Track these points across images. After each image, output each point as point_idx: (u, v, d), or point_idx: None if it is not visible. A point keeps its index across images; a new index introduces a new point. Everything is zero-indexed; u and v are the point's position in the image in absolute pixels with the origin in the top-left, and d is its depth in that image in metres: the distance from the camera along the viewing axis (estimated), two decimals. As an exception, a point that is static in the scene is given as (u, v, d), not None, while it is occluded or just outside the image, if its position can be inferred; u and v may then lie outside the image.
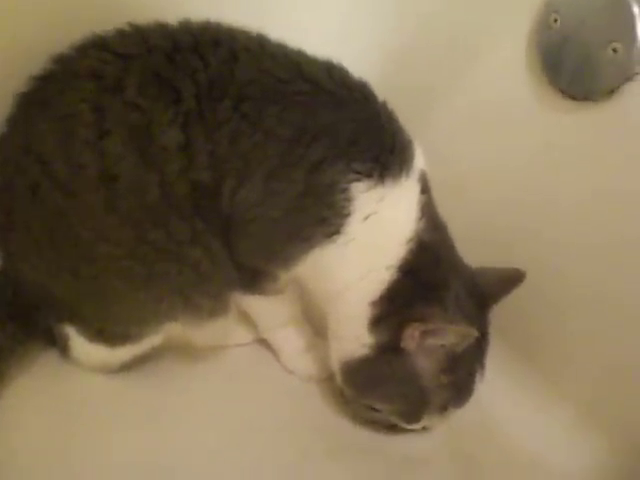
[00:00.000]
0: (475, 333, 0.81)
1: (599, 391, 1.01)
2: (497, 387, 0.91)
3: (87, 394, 0.92)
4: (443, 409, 0.90)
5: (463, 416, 0.93)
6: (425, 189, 0.88)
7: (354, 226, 0.83)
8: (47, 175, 0.80)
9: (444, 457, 0.97)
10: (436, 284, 0.87)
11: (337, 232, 0.83)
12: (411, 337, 0.85)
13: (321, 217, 0.82)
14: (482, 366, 0.91)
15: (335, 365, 0.93)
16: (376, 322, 0.87)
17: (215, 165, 0.80)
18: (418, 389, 0.88)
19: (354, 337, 0.89)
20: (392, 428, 0.95)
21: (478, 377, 0.91)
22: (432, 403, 0.89)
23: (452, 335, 0.83)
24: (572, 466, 0.96)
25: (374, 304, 0.87)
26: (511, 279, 0.94)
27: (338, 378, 0.93)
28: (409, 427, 0.93)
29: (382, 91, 0.87)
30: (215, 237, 0.84)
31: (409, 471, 0.94)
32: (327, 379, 1.04)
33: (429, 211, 0.88)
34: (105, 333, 0.90)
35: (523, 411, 1.04)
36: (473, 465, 0.96)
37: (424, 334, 0.84)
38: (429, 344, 0.84)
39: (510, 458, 0.98)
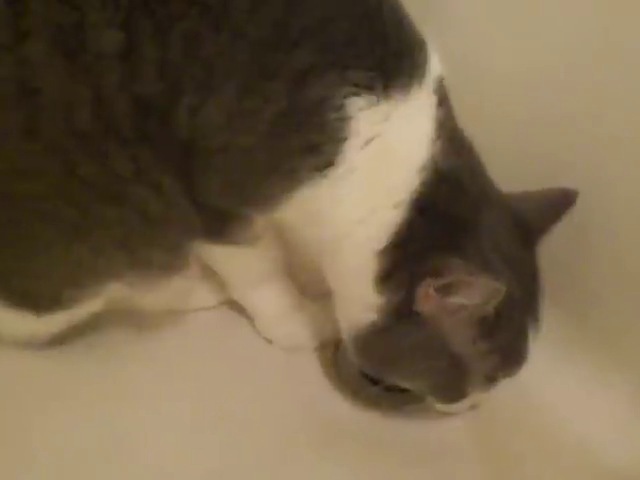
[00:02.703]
0: (502, 288, 0.80)
1: None
2: (535, 360, 0.90)
3: (12, 374, 0.93)
4: (490, 380, 0.91)
5: (491, 396, 0.94)
6: (443, 101, 0.87)
7: (352, 154, 0.82)
8: None
9: (469, 448, 0.98)
10: (460, 223, 0.86)
11: (331, 163, 0.82)
12: (425, 297, 0.84)
13: (309, 144, 0.81)
14: (536, 319, 0.91)
15: (345, 335, 0.93)
16: (385, 278, 0.86)
17: (166, 76, 0.78)
18: (450, 360, 0.88)
19: (359, 298, 0.89)
20: (403, 411, 0.97)
21: (532, 334, 0.90)
22: (474, 375, 0.90)
23: (476, 291, 0.82)
24: (626, 454, 0.98)
25: (381, 254, 0.86)
26: (560, 202, 0.94)
27: (351, 354, 0.93)
28: (453, 409, 0.95)
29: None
30: (167, 171, 0.83)
31: (426, 464, 0.95)
32: (316, 349, 1.06)
33: (448, 130, 0.87)
34: (29, 297, 0.90)
35: (568, 389, 1.05)
36: (505, 457, 0.98)
37: (441, 292, 0.83)
38: (450, 304, 0.84)
39: (551, 449, 0.99)
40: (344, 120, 0.80)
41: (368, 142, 0.82)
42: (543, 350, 0.90)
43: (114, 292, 0.92)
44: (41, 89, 0.77)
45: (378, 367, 0.94)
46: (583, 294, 1.06)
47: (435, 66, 0.87)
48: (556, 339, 0.94)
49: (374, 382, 1.00)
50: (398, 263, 0.86)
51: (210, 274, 1.03)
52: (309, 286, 1.07)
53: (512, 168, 0.94)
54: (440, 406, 0.95)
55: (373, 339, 0.89)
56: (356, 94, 0.80)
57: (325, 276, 0.93)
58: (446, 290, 0.83)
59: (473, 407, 0.96)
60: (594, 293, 1.06)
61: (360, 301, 0.89)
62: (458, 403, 0.94)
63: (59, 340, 0.96)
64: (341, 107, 0.80)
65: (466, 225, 0.86)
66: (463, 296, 0.83)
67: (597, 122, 1.03)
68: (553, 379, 1.04)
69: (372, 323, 0.88)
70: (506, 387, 0.92)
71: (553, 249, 0.94)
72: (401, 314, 0.87)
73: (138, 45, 0.77)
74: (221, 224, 0.91)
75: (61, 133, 0.79)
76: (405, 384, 0.94)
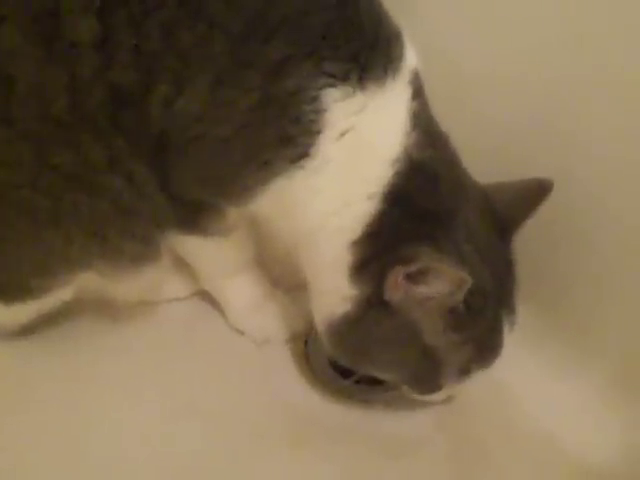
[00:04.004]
0: (468, 279, 0.80)
1: (632, 357, 1.02)
2: (505, 352, 0.90)
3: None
4: (464, 372, 0.91)
5: (462, 389, 0.95)
6: (418, 93, 0.87)
7: (327, 146, 0.82)
8: None
9: (440, 439, 0.99)
10: (435, 214, 0.86)
11: (305, 155, 0.82)
12: (394, 285, 0.84)
13: (284, 135, 0.81)
14: (510, 310, 0.91)
15: (319, 326, 0.93)
16: (358, 269, 0.86)
17: (142, 65, 0.78)
18: (423, 350, 0.88)
19: (334, 290, 0.89)
20: (375, 405, 0.98)
21: (506, 326, 0.90)
22: (447, 366, 0.90)
23: (443, 281, 0.82)
24: (596, 447, 0.99)
25: (355, 245, 0.86)
26: (535, 192, 0.94)
27: (325, 345, 0.93)
28: (430, 399, 0.95)
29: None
30: (140, 161, 0.83)
31: (396, 457, 0.96)
32: (287, 341, 1.07)
33: (423, 121, 0.87)
34: (-2, 286, 0.90)
35: (537, 381, 1.06)
36: (475, 448, 0.99)
37: (409, 280, 0.83)
38: (419, 293, 0.84)
39: (520, 439, 1.00)
40: (319, 112, 0.80)
41: (343, 134, 0.82)
42: (513, 343, 0.91)
43: (85, 281, 0.92)
44: (15, 77, 0.77)
45: (352, 358, 0.94)
46: (553, 287, 1.07)
47: (411, 58, 0.87)
48: (526, 332, 0.93)
49: (345, 375, 1.02)
50: (372, 254, 0.86)
51: (182, 265, 1.04)
52: (281, 278, 1.07)
53: (486, 162, 0.94)
54: (417, 396, 0.96)
55: (347, 330, 0.89)
56: (331, 85, 0.80)
57: (299, 267, 0.93)
58: (414, 278, 0.83)
59: (449, 398, 0.97)
60: (564, 286, 1.07)
61: (334, 292, 0.89)
62: (434, 394, 0.95)
63: (30, 330, 0.96)
64: (316, 99, 0.80)
65: (440, 216, 0.86)
66: (431, 285, 0.83)
67: (571, 116, 1.04)
68: (522, 372, 1.04)
69: (346, 314, 0.88)
70: (476, 380, 0.92)
71: (522, 241, 0.94)
72: (373, 304, 0.87)
73: (114, 34, 0.77)
74: (194, 215, 0.91)
75: (35, 121, 0.79)
76: (379, 374, 0.94)
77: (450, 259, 0.83)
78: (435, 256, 0.83)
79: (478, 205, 0.90)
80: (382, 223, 0.85)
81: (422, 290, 0.84)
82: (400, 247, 0.84)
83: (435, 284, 0.82)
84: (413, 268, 0.82)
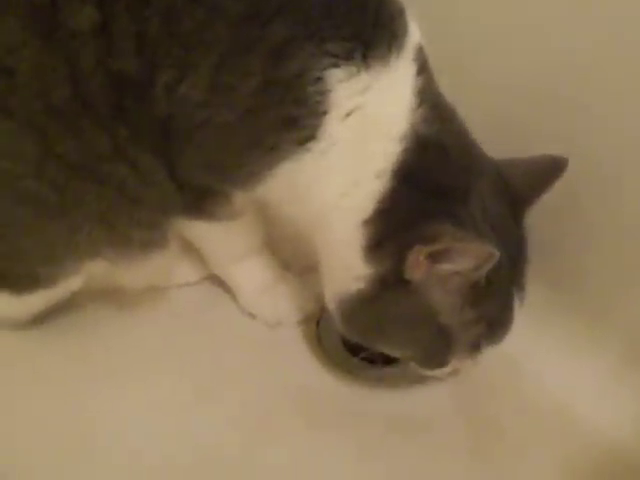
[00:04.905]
0: (496, 253, 0.79)
1: None
2: (518, 328, 0.91)
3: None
4: (474, 348, 0.91)
5: (473, 366, 0.95)
6: (423, 69, 0.86)
7: (333, 127, 0.82)
8: None
9: (451, 418, 1.00)
10: (448, 190, 0.86)
11: (312, 137, 0.82)
12: (416, 264, 0.84)
13: (289, 118, 0.80)
14: (520, 288, 0.91)
15: (331, 306, 0.93)
16: (373, 247, 0.86)
17: (143, 52, 0.78)
18: (437, 329, 0.89)
19: (347, 269, 0.89)
20: (386, 382, 0.99)
21: (516, 303, 0.91)
22: (458, 343, 0.90)
23: (468, 257, 0.81)
24: (610, 422, 0.99)
25: (367, 224, 0.86)
26: (549, 170, 0.93)
27: (337, 322, 0.94)
28: (436, 373, 0.95)
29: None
30: (145, 148, 0.83)
31: (410, 436, 0.97)
32: (299, 323, 1.07)
33: (429, 97, 0.87)
34: (7, 276, 0.91)
35: (551, 358, 1.06)
36: (490, 425, 0.99)
37: (432, 258, 0.83)
38: (441, 271, 0.84)
39: (535, 416, 1.01)
40: (324, 93, 0.80)
41: (349, 114, 0.82)
42: (526, 318, 0.91)
43: (94, 270, 0.92)
44: (16, 68, 0.77)
45: (364, 336, 0.94)
46: (566, 262, 1.06)
47: (414, 34, 0.86)
48: (540, 307, 0.94)
49: (356, 354, 1.02)
50: (385, 232, 0.86)
51: (192, 250, 1.04)
52: (291, 260, 1.08)
53: (494, 137, 0.94)
54: (424, 370, 0.96)
55: (360, 308, 0.89)
56: (335, 65, 0.80)
57: (310, 249, 0.93)
58: (437, 257, 0.83)
59: (456, 372, 0.97)
60: (577, 261, 1.07)
61: (348, 271, 0.89)
62: (438, 370, 0.95)
63: (40, 319, 0.97)
64: (320, 79, 0.80)
65: (453, 192, 0.86)
66: (455, 262, 0.83)
67: (581, 89, 1.02)
68: (536, 347, 1.05)
69: (359, 292, 0.88)
70: (489, 356, 0.93)
71: (536, 217, 0.94)
72: (389, 283, 0.87)
73: (114, 21, 0.77)
74: (201, 201, 0.91)
75: (37, 111, 0.79)
76: (390, 351, 0.95)
77: (472, 235, 0.84)
78: (458, 234, 0.83)
79: (491, 180, 0.90)
80: (394, 201, 0.85)
81: (446, 267, 0.84)
82: (417, 225, 0.84)
83: (460, 261, 0.82)
84: (436, 247, 0.82)
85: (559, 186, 0.93)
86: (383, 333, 0.92)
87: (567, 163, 0.92)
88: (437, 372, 0.95)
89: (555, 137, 1.02)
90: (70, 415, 0.92)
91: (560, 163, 0.93)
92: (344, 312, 0.92)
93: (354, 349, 1.03)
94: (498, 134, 0.97)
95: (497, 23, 1.10)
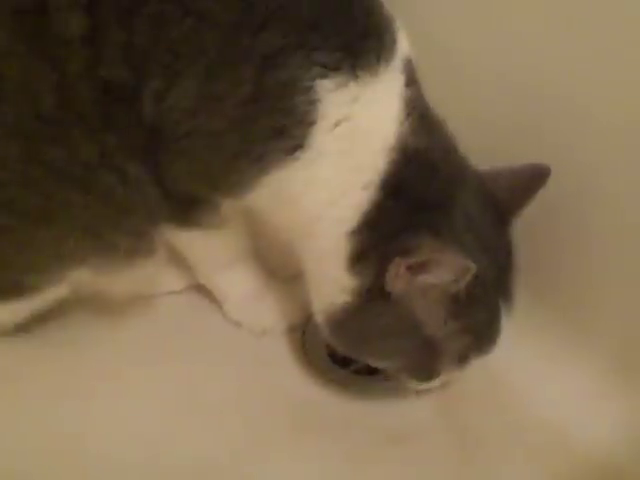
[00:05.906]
0: (472, 266, 0.80)
1: (631, 343, 1.02)
2: (502, 339, 0.91)
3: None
4: (463, 360, 0.92)
5: (459, 378, 0.96)
6: (411, 81, 0.87)
7: (321, 137, 0.82)
8: None
9: (438, 430, 0.99)
10: (432, 202, 0.86)
11: (300, 146, 0.82)
12: (395, 276, 0.84)
13: (278, 127, 0.81)
14: (508, 298, 0.92)
15: (318, 316, 0.94)
16: (357, 259, 0.87)
17: (132, 60, 0.78)
18: (422, 340, 0.89)
19: (332, 280, 0.89)
20: (371, 393, 0.99)
21: (504, 313, 0.91)
22: (445, 355, 0.91)
23: (446, 269, 0.82)
24: (595, 433, 0.99)
25: (352, 236, 0.86)
26: (533, 178, 0.94)
27: (325, 333, 0.94)
28: (425, 386, 0.96)
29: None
30: (133, 157, 0.84)
31: (395, 445, 0.96)
32: (285, 333, 1.08)
33: (418, 109, 0.87)
34: (-9, 285, 0.90)
35: (536, 368, 1.05)
36: (474, 435, 0.99)
37: (412, 270, 0.83)
38: (421, 283, 0.84)
39: (519, 426, 1.00)
40: (312, 103, 0.80)
41: (337, 124, 0.82)
42: (510, 329, 0.92)
43: (79, 278, 0.92)
44: (3, 74, 0.77)
45: (351, 348, 0.95)
46: (550, 272, 1.07)
47: (403, 45, 0.87)
48: (525, 319, 0.93)
49: (342, 365, 1.03)
50: (370, 244, 0.86)
51: (177, 258, 1.04)
52: (277, 269, 1.08)
53: (483, 146, 0.95)
54: (413, 383, 0.96)
55: (346, 320, 0.90)
56: (324, 75, 0.80)
57: (297, 258, 0.94)
58: (416, 269, 0.83)
59: (444, 384, 0.97)
60: (561, 271, 1.07)
61: (333, 283, 0.89)
62: (429, 383, 0.95)
63: (24, 327, 0.96)
64: (309, 89, 0.80)
65: (438, 204, 0.87)
66: (433, 274, 0.83)
67: (569, 99, 1.03)
68: (520, 358, 1.04)
69: (345, 304, 0.89)
70: (474, 366, 0.93)
71: (520, 227, 0.95)
72: (373, 295, 0.87)
73: (103, 29, 0.77)
74: (188, 209, 0.91)
75: (24, 118, 0.79)
76: (377, 363, 0.95)
77: (451, 247, 0.84)
78: (436, 246, 0.83)
79: (476, 192, 0.91)
80: (379, 213, 0.86)
81: (424, 279, 0.84)
82: (399, 237, 0.85)
83: (438, 273, 0.83)
84: (415, 259, 0.82)
85: (543, 194, 0.94)
86: (369, 345, 0.93)
87: (550, 171, 0.93)
88: (426, 385, 0.96)
89: (546, 144, 1.04)
90: (56, 424, 0.91)
91: (543, 171, 0.93)
92: (331, 324, 0.92)
93: (340, 358, 1.03)
94: (487, 141, 0.99)
95: (488, 31, 1.10)
